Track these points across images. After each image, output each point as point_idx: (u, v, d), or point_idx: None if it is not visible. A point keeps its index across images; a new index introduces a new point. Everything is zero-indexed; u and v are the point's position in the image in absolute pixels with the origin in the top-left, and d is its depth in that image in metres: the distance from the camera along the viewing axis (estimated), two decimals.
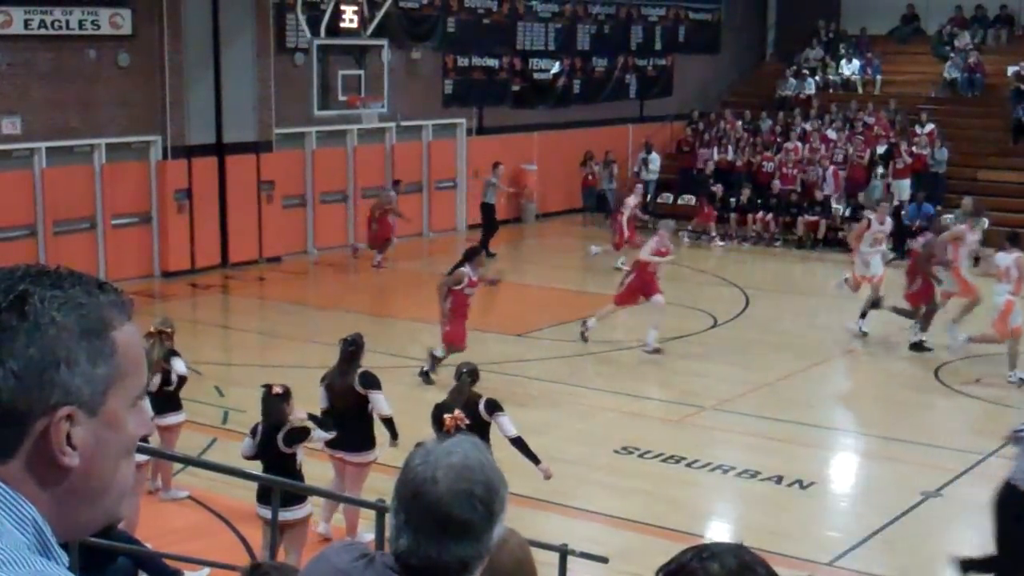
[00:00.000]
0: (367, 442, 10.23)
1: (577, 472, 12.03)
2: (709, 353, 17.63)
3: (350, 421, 10.06)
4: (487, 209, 25.43)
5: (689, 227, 27.09)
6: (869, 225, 18.68)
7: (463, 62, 27.40)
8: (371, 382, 10.11)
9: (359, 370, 10.16)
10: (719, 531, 10.88)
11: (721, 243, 26.55)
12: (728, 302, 20.41)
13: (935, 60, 32.72)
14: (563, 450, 12.58)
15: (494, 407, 9.57)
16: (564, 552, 7.94)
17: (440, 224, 27.36)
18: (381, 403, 10.11)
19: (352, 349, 10.24)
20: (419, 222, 26.82)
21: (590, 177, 29.48)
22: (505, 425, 9.53)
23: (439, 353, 14.97)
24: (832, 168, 27.75)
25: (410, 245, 25.68)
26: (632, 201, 23.65)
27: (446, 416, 8.97)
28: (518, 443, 9.59)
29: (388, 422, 10.15)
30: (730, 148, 29.81)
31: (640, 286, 17.15)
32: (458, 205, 27.76)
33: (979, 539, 10.87)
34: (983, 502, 11.59)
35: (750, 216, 27.12)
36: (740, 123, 30.95)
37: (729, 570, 2.24)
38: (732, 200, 27.59)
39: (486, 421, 9.46)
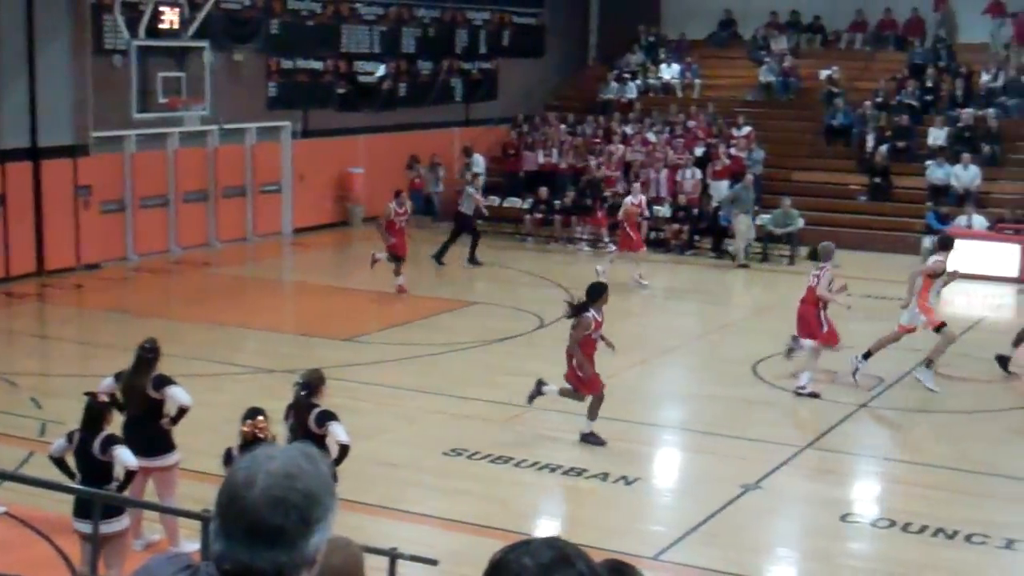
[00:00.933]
0: (164, 444, 10.09)
1: (406, 475, 12.05)
2: (536, 354, 17.82)
3: (144, 425, 9.97)
4: (461, 219, 24.97)
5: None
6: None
7: (287, 64, 27.15)
8: (164, 381, 10.04)
9: (153, 374, 10.06)
10: (547, 529, 11.02)
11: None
12: (555, 303, 20.62)
13: (751, 64, 33.65)
14: (392, 454, 12.60)
15: (326, 418, 9.48)
16: (393, 556, 7.95)
17: (265, 228, 27.04)
18: (179, 395, 10.01)
19: (150, 356, 10.12)
20: (243, 226, 26.49)
21: (416, 180, 29.50)
22: (338, 433, 9.45)
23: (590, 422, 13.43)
24: (666, 171, 28.24)
25: (234, 250, 25.36)
26: (631, 201, 23.51)
27: (245, 423, 8.86)
28: (344, 451, 9.48)
29: (183, 411, 10.02)
30: (554, 151, 30.15)
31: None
32: (283, 209, 27.48)
33: (796, 528, 11.24)
34: (800, 493, 12.00)
35: (574, 218, 27.46)
36: (563, 126, 31.34)
37: (541, 563, 2.31)
38: (556, 203, 27.91)
39: (316, 433, 9.36)
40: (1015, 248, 24.18)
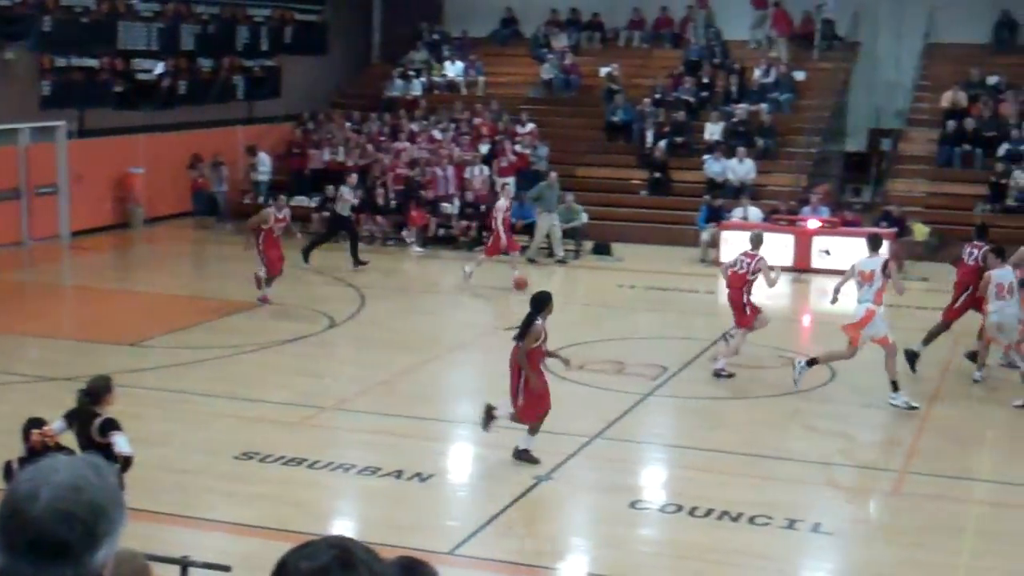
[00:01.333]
0: None
1: (197, 481, 11.84)
2: (327, 354, 17.75)
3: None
4: (337, 219, 24.66)
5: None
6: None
7: (61, 62, 26.27)
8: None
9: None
10: (343, 529, 10.97)
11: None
12: (344, 302, 20.58)
13: (533, 62, 34.10)
14: (182, 460, 12.36)
15: (109, 427, 9.23)
16: (185, 564, 7.82)
17: (41, 231, 26.12)
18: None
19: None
20: (18, 230, 25.56)
21: (199, 180, 28.96)
22: (119, 444, 9.19)
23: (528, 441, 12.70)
24: (453, 168, 28.37)
25: (9, 254, 24.45)
26: (503, 204, 23.24)
27: (33, 432, 8.57)
28: (126, 463, 9.15)
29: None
30: (340, 149, 29.99)
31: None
32: (60, 211, 26.59)
33: (589, 517, 11.48)
34: (591, 482, 12.25)
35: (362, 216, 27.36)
36: (348, 124, 31.21)
37: (318, 566, 2.32)
38: None
39: (100, 442, 9.10)
40: (789, 238, 25.14)
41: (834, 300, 15.62)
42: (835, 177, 31.10)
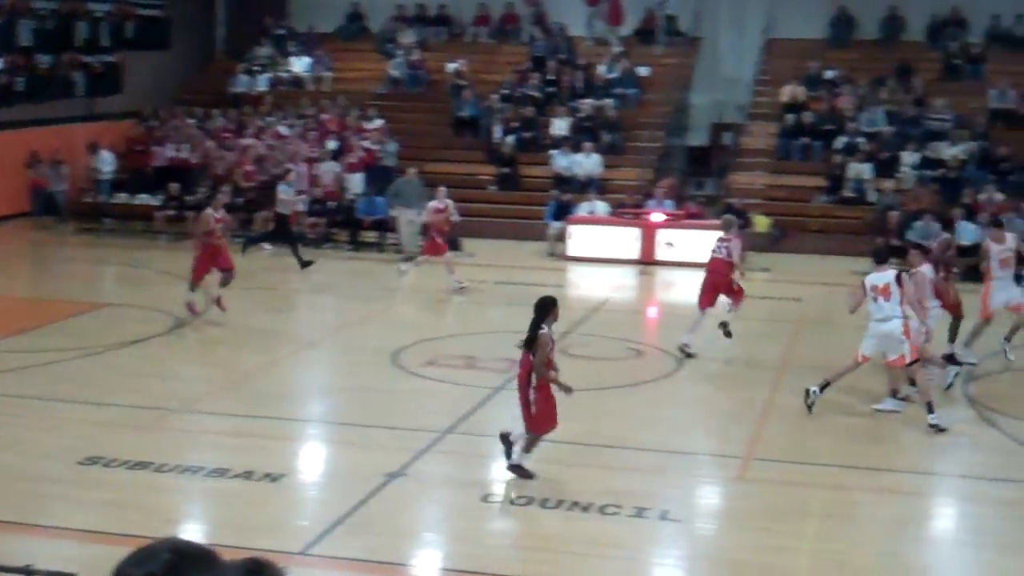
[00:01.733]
0: None
1: (41, 488, 11.56)
2: (173, 354, 17.46)
3: None
4: (281, 219, 24.24)
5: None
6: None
7: None
8: None
9: None
10: (191, 533, 10.83)
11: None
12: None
13: (381, 58, 33.99)
14: (25, 466, 12.06)
15: None
16: (28, 572, 7.65)
17: None
18: None
19: None
20: None
21: (38, 179, 28.24)
22: None
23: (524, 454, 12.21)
24: (304, 165, 28.07)
25: None
26: (435, 205, 22.88)
27: None
28: None
29: None
30: (184, 146, 29.51)
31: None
32: None
33: (441, 512, 11.51)
34: (443, 477, 12.28)
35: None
36: (193, 120, 30.72)
37: (150, 571, 2.30)
38: (188, 198, 27.34)
39: None
40: (635, 232, 25.53)
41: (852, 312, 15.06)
42: (679, 171, 31.66)
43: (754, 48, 33.35)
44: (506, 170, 29.30)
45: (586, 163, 28.80)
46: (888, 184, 27.30)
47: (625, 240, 25.47)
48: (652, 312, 22.44)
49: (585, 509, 11.18)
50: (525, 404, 12.01)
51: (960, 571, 10.44)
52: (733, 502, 11.97)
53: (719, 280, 17.18)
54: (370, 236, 26.41)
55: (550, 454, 13.08)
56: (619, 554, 10.35)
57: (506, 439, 12.07)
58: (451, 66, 32.57)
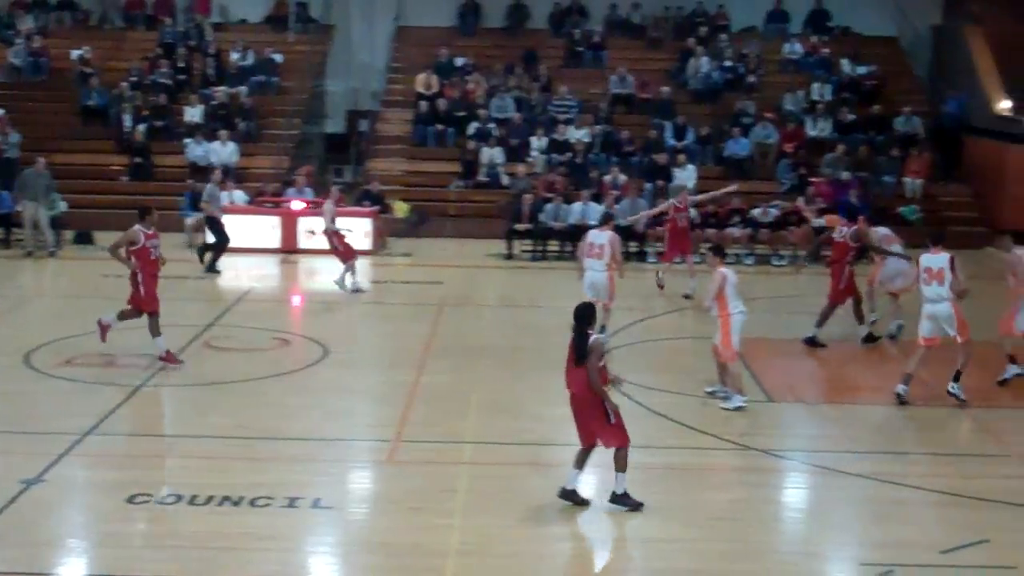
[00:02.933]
0: None
1: None
2: None
3: None
4: (215, 222, 23.58)
5: None
6: None
7: None
8: None
9: None
10: None
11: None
12: None
13: (1, 45, 32.29)
14: None
15: None
16: None
17: None
18: None
19: None
20: None
21: None
22: None
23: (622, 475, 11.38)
24: None
25: None
26: (331, 208, 21.47)
27: None
28: None
29: None
30: None
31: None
32: None
33: (86, 517, 11.10)
34: (86, 481, 11.86)
35: None
36: None
37: None
38: None
39: None
40: (276, 220, 25.36)
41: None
42: (317, 158, 31.66)
43: (386, 36, 33.70)
44: (138, 160, 28.46)
45: (222, 151, 28.35)
46: (520, 168, 28.22)
47: (266, 229, 25.25)
48: (296, 300, 22.37)
49: (236, 503, 11.07)
50: (598, 420, 11.20)
51: (604, 535, 10.97)
52: (384, 485, 12.14)
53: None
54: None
55: (196, 449, 12.88)
56: (273, 546, 10.31)
57: (573, 495, 11.29)
58: (76, 53, 31.30)
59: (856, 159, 28.61)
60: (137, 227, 15.83)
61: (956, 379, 14.93)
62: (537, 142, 29.20)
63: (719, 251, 14.99)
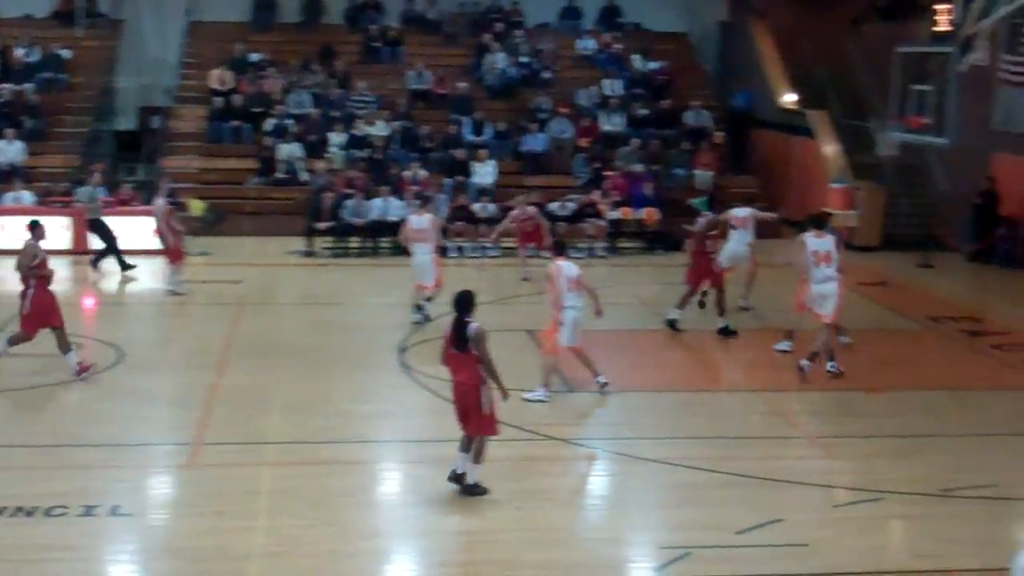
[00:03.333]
0: None
1: None
2: None
3: None
4: (99, 224, 23.18)
5: None
6: None
7: None
8: None
9: None
10: None
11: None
12: None
13: None
14: None
15: None
16: None
17: None
18: None
19: None
20: None
21: None
22: None
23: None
24: None
25: None
26: (162, 203, 20.71)
27: None
28: None
29: None
30: None
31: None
32: None
33: None
34: None
35: None
36: None
37: None
38: None
39: None
40: (66, 220, 24.64)
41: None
42: (109, 156, 30.79)
43: (178, 31, 33.01)
44: None
45: (8, 150, 27.41)
46: (319, 165, 28.02)
47: (55, 230, 24.45)
48: (89, 303, 21.75)
49: (30, 514, 10.77)
50: (476, 408, 11.28)
51: (410, 530, 11.02)
52: (185, 489, 11.94)
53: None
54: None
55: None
56: (70, 556, 10.06)
57: (459, 478, 11.46)
58: None
59: (649, 153, 29.28)
60: (31, 241, 15.44)
61: (818, 356, 15.95)
62: (336, 138, 29.03)
63: (559, 247, 15.60)
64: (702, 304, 19.25)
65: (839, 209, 24.99)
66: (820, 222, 16.28)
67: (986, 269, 25.26)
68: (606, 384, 15.03)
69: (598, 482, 12.75)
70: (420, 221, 18.73)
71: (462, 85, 31.18)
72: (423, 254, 18.58)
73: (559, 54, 33.19)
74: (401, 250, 20.17)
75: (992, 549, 10.38)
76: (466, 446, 11.56)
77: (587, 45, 33.64)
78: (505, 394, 11.55)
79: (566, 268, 14.92)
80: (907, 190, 28.01)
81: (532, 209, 23.61)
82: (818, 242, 15.86)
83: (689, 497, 11.76)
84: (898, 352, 17.82)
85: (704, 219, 18.88)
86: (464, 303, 11.39)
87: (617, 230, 26.90)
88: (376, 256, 25.41)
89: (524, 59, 32.49)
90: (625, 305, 20.56)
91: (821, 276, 15.76)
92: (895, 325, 19.52)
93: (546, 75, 32.27)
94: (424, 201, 20.41)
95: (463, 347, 11.23)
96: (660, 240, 26.68)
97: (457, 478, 11.51)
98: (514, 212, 23.76)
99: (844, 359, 16.52)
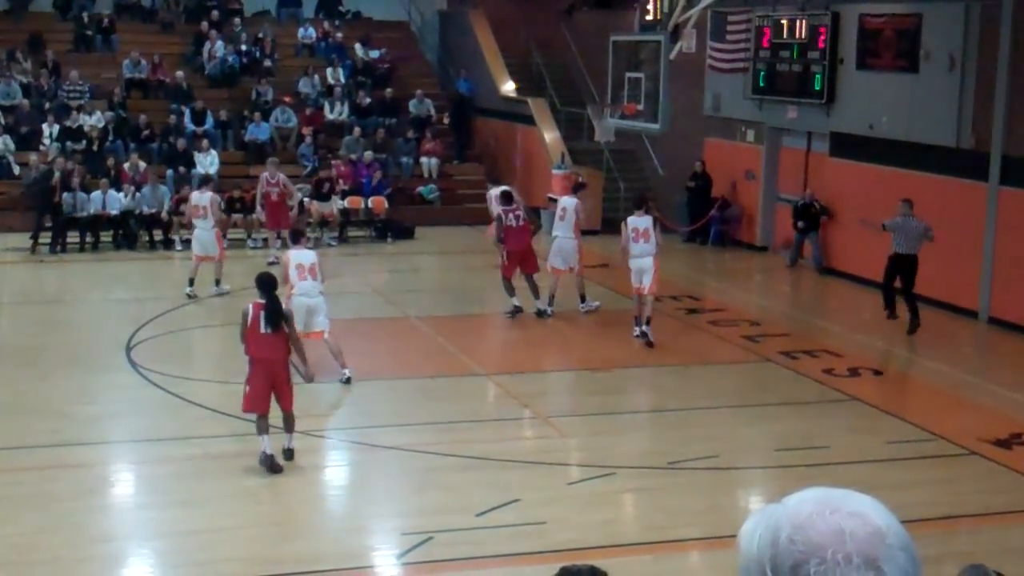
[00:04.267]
0: None
1: None
2: None
3: None
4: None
5: None
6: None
7: None
8: None
9: None
10: None
11: None
12: None
13: None
14: None
15: None
16: None
17: None
18: None
19: None
20: None
21: None
22: None
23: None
24: None
25: None
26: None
27: None
28: None
29: None
30: None
31: None
32: None
33: None
34: None
35: None
36: None
37: None
38: None
39: None
40: None
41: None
42: None
43: None
44: None
45: None
46: (33, 157, 26.83)
47: None
48: None
49: None
50: (287, 383, 11.70)
51: (145, 532, 10.74)
52: None
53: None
54: None
55: None
56: None
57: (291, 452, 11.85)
58: None
59: (374, 141, 29.28)
60: None
61: (643, 323, 17.30)
62: (49, 129, 27.88)
63: (295, 235, 15.79)
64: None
65: (561, 194, 25.61)
66: (640, 203, 17.76)
67: (701, 249, 26.34)
68: (350, 380, 14.95)
69: (339, 472, 12.74)
70: (201, 198, 19.74)
71: (180, 74, 30.42)
72: (203, 230, 19.62)
73: (279, 42, 32.77)
74: (128, 243, 22.87)
75: (718, 517, 10.88)
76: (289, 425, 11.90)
77: (308, 33, 33.33)
78: (310, 372, 12.29)
79: (296, 256, 14.82)
80: (624, 175, 28.91)
81: (282, 176, 23.32)
82: (637, 220, 17.28)
83: (429, 482, 11.87)
84: (623, 331, 18.38)
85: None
86: (271, 284, 11.86)
87: (347, 220, 26.80)
88: (97, 251, 24.50)
89: (244, 47, 31.94)
90: (358, 294, 20.56)
91: (639, 251, 17.15)
92: (617, 305, 20.15)
93: (267, 63, 31.82)
94: (204, 180, 21.38)
95: (276, 326, 11.50)
96: (390, 228, 26.73)
97: (288, 454, 11.85)
98: (264, 175, 23.40)
99: (574, 338, 16.97)
